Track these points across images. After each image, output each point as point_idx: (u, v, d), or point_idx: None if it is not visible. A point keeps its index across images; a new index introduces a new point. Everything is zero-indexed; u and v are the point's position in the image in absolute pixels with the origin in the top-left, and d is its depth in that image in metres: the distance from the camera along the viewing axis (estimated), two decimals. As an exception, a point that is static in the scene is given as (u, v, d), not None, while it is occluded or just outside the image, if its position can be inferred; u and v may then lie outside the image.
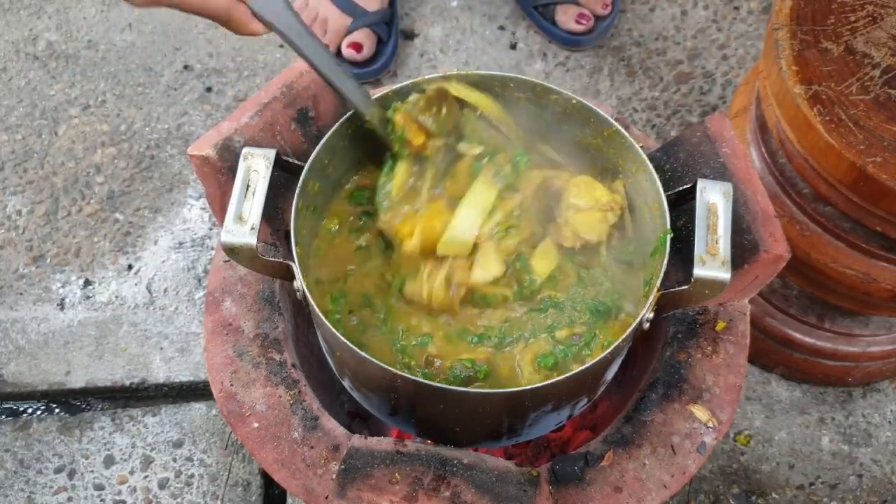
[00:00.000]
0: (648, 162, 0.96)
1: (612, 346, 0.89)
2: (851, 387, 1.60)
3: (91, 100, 1.92)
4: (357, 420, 1.31)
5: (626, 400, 1.05)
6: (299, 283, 0.91)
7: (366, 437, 0.94)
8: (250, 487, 1.49)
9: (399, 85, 1.00)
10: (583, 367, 0.88)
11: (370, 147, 1.03)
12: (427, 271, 0.97)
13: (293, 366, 1.03)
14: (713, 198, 0.89)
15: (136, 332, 1.65)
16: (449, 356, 0.96)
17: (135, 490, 1.49)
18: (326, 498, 0.93)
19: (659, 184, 0.95)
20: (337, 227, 1.05)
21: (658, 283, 0.90)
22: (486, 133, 1.03)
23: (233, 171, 0.93)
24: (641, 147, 0.99)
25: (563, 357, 0.96)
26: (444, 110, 0.99)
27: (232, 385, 1.00)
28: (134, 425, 1.55)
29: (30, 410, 1.59)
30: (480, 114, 1.03)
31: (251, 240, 0.87)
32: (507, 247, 0.98)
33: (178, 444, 1.53)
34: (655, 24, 1.99)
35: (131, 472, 1.50)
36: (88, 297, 1.69)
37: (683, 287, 0.88)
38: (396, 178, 1.00)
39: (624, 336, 0.89)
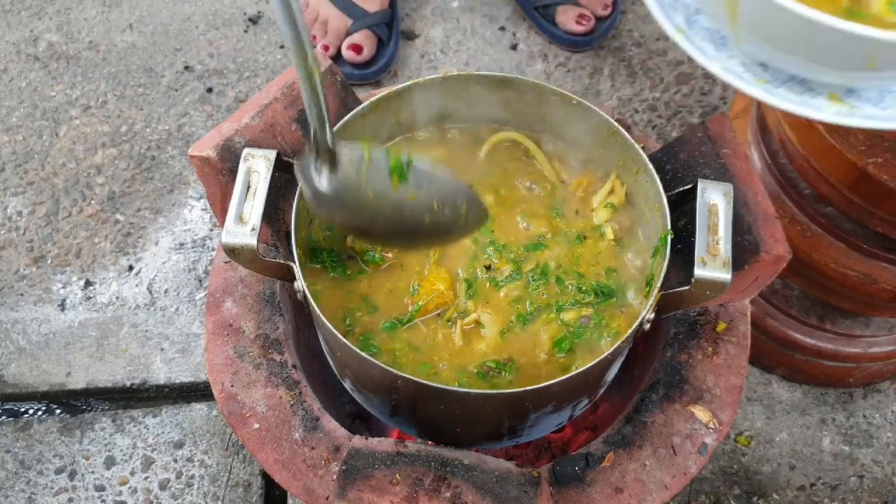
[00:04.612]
0: (649, 162, 0.97)
1: (614, 347, 0.89)
2: (852, 388, 1.60)
3: (92, 101, 1.92)
4: (358, 421, 1.31)
5: (627, 401, 1.05)
6: (300, 283, 0.91)
7: (366, 438, 0.94)
8: (251, 488, 1.49)
9: (400, 86, 1.00)
10: (583, 368, 0.88)
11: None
12: (441, 335, 0.98)
13: (294, 366, 1.03)
14: (714, 198, 0.89)
15: (136, 333, 1.65)
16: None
17: (135, 491, 1.48)
18: (327, 499, 0.93)
19: (659, 184, 0.95)
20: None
21: (658, 284, 0.90)
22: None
23: (233, 171, 0.93)
24: (642, 148, 0.99)
25: (576, 340, 0.96)
26: None
27: (233, 386, 1.00)
28: (135, 426, 1.55)
29: (30, 411, 1.59)
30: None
31: (252, 240, 0.87)
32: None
33: (179, 445, 1.53)
34: (656, 25, 1.98)
35: (132, 473, 1.50)
36: (89, 298, 1.69)
37: (684, 288, 0.88)
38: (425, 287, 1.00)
39: (625, 337, 0.89)
